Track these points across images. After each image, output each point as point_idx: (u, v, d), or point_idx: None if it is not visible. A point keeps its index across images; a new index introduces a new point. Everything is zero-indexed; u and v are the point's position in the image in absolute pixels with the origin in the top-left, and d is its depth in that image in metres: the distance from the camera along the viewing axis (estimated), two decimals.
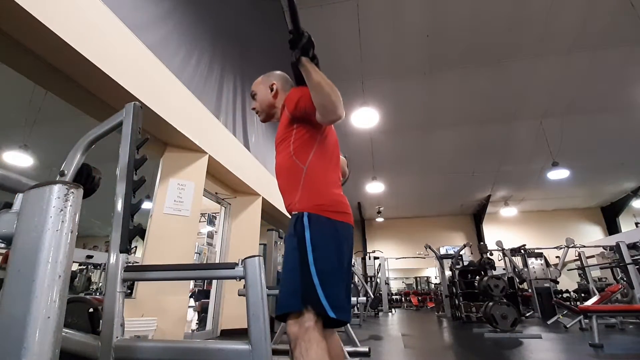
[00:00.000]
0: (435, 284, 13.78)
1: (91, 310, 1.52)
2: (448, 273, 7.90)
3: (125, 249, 1.36)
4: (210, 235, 5.45)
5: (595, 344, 3.36)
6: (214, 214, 5.60)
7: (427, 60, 7.35)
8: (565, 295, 10.39)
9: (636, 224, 11.88)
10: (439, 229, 15.19)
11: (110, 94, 2.76)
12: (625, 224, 13.43)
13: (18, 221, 0.71)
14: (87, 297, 1.73)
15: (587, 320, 4.68)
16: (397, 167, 11.04)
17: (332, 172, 1.20)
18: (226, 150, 4.51)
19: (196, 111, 3.86)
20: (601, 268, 8.22)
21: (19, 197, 0.75)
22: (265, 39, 6.02)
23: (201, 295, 5.33)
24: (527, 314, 7.50)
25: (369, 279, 10.31)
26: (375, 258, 10.82)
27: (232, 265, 1.31)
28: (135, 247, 8.89)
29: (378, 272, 10.29)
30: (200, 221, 4.78)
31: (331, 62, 7.12)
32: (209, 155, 3.98)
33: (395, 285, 16.60)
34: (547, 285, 7.57)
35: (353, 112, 7.21)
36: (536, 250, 7.99)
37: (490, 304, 4.49)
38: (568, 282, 11.22)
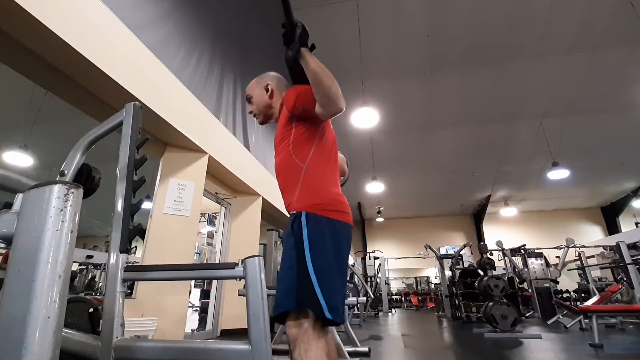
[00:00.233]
0: (435, 284, 13.78)
1: (91, 310, 1.52)
2: (448, 273, 7.90)
3: (125, 249, 1.36)
4: (210, 235, 5.45)
5: (595, 344, 3.36)
6: (214, 214, 5.60)
7: (427, 60, 7.35)
8: (565, 295, 10.38)
9: (636, 224, 11.88)
10: (439, 229, 15.19)
11: (110, 94, 2.76)
12: (625, 224, 13.43)
13: (18, 221, 0.71)
14: (87, 297, 1.73)
15: (587, 320, 4.69)
16: (397, 167, 11.04)
17: (331, 171, 1.19)
18: (226, 150, 4.51)
19: (196, 111, 3.86)
20: (601, 268, 8.22)
21: (19, 197, 0.75)
22: (265, 39, 6.02)
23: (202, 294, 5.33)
24: (527, 314, 7.50)
25: (369, 279, 10.31)
26: (375, 258, 10.83)
27: (232, 265, 1.31)
28: (135, 247, 8.90)
29: (378, 272, 10.29)
30: (200, 221, 4.78)
31: (331, 62, 7.04)
32: (209, 155, 3.98)
33: (395, 285, 16.60)
34: (547, 285, 7.57)
35: (353, 112, 7.21)
36: (536, 250, 7.99)
37: (490, 304, 4.49)
38: (568, 282, 11.22)
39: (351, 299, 3.74)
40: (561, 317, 5.78)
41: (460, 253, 7.76)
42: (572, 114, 8.42)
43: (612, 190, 12.87)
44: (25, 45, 2.28)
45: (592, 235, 13.87)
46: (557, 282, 7.60)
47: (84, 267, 7.77)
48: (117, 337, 1.25)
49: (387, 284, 11.03)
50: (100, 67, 2.45)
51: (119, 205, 1.39)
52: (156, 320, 2.96)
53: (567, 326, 5.16)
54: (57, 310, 0.64)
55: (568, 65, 7.25)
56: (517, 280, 7.68)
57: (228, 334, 4.56)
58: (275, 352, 1.31)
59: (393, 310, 10.75)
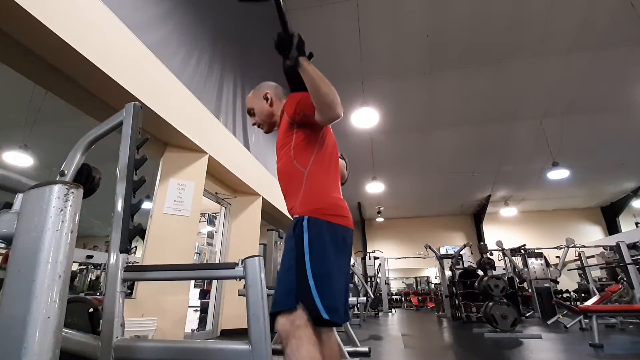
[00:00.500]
0: (435, 284, 13.78)
1: (91, 310, 1.52)
2: (448, 273, 7.90)
3: (125, 249, 1.36)
4: (210, 235, 5.45)
5: (595, 344, 3.36)
6: (214, 214, 5.60)
7: (427, 60, 7.35)
8: (565, 295, 10.38)
9: (636, 224, 11.88)
10: (439, 229, 15.19)
11: (110, 94, 2.76)
12: (625, 224, 13.42)
13: (18, 221, 0.71)
14: (87, 297, 1.73)
15: (587, 320, 4.69)
16: (397, 167, 11.04)
17: (332, 176, 1.22)
18: (226, 150, 4.51)
19: (196, 111, 3.86)
20: (601, 268, 8.22)
21: (19, 197, 0.75)
22: (265, 39, 6.02)
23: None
24: (527, 314, 7.50)
25: (369, 279, 10.31)
26: (375, 258, 10.82)
27: (232, 265, 1.31)
28: (135, 247, 8.90)
29: (378, 272, 10.29)
30: (200, 221, 4.77)
31: (331, 62, 7.12)
32: (209, 155, 3.98)
33: (395, 285, 16.60)
34: (547, 285, 7.57)
35: (353, 112, 7.21)
36: (536, 250, 7.99)
37: (490, 304, 4.49)
38: (568, 282, 11.22)
39: (351, 299, 3.74)
40: (561, 317, 5.78)
41: (460, 253, 7.75)
42: (572, 114, 8.42)
43: (612, 190, 12.87)
44: (25, 45, 2.28)
45: (592, 235, 13.87)
46: (557, 282, 7.60)
47: (84, 267, 7.77)
48: (117, 337, 1.25)
49: (387, 284, 11.03)
50: (100, 67, 2.45)
51: (119, 205, 1.39)
52: (156, 320, 2.96)
53: (567, 326, 5.16)
54: (57, 310, 0.64)
55: (568, 65, 7.25)
56: (517, 280, 7.68)
57: (228, 334, 4.56)
58: (275, 352, 1.31)
59: (393, 310, 10.75)
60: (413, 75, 7.70)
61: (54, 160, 2.44)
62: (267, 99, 1.38)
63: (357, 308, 6.46)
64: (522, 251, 8.00)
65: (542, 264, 7.81)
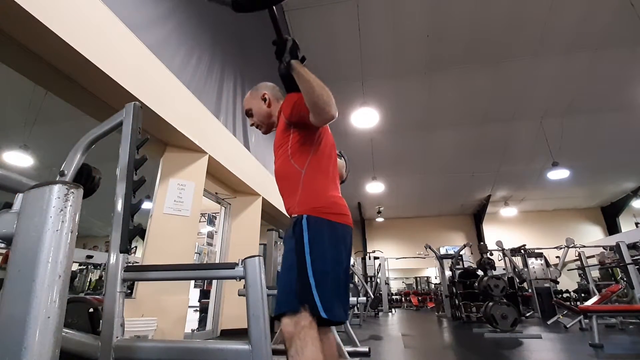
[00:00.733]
0: (435, 284, 13.77)
1: (91, 310, 1.52)
2: (448, 273, 7.90)
3: (125, 249, 1.36)
4: (210, 235, 5.45)
5: (595, 344, 3.36)
6: (214, 214, 5.60)
7: (427, 60, 7.35)
8: (565, 295, 10.38)
9: (636, 224, 11.88)
10: (439, 229, 15.18)
11: (110, 94, 2.76)
12: (625, 224, 13.42)
13: (18, 221, 0.71)
14: (87, 297, 1.73)
15: (587, 320, 4.69)
16: (397, 167, 11.04)
17: (330, 175, 1.22)
18: (226, 150, 4.51)
19: (196, 111, 3.86)
20: (601, 268, 8.22)
21: (19, 197, 0.75)
22: (265, 39, 6.02)
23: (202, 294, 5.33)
24: (527, 314, 7.50)
25: (369, 279, 10.30)
26: (375, 258, 10.82)
27: (232, 265, 1.31)
28: (135, 247, 8.90)
29: (378, 272, 10.29)
30: (200, 221, 4.77)
31: (331, 62, 7.12)
32: (209, 155, 3.98)
33: (395, 285, 16.60)
34: (547, 285, 7.57)
35: (353, 112, 7.21)
36: (536, 250, 7.99)
37: (490, 304, 4.49)
38: (568, 282, 11.22)
39: (351, 299, 3.74)
40: (561, 317, 5.78)
41: (460, 253, 7.75)
42: (572, 114, 8.42)
43: (612, 190, 12.87)
44: (25, 45, 2.28)
45: (592, 235, 13.87)
46: (557, 282, 7.60)
47: (84, 267, 7.77)
48: (117, 337, 1.25)
49: (387, 284, 11.03)
50: (100, 67, 2.45)
51: (119, 205, 1.39)
52: (156, 320, 2.96)
53: (567, 326, 5.16)
54: (57, 310, 0.64)
55: (568, 65, 7.25)
56: (517, 280, 7.67)
57: (228, 334, 4.56)
58: (275, 352, 1.31)
59: (393, 310, 10.75)
60: (413, 75, 7.70)
61: (54, 160, 2.44)
62: (265, 100, 1.39)
63: (357, 308, 6.45)
64: (522, 251, 8.00)
65: (542, 264, 7.81)
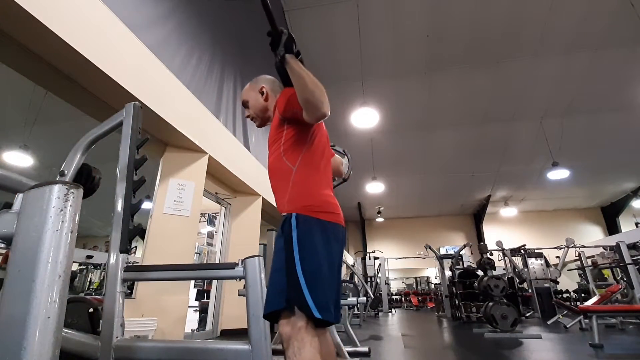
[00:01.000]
0: (435, 284, 13.77)
1: (91, 310, 1.53)
2: (448, 273, 7.90)
3: (125, 249, 1.36)
4: (210, 235, 5.45)
5: (595, 344, 3.36)
6: (214, 214, 5.60)
7: (427, 60, 7.35)
8: (565, 295, 10.38)
9: (636, 224, 11.89)
10: (439, 229, 15.19)
11: (110, 94, 2.76)
12: (625, 224, 13.43)
13: (18, 221, 0.71)
14: (87, 297, 1.73)
15: (587, 320, 4.68)
16: (397, 167, 11.04)
17: (322, 173, 1.20)
18: (226, 150, 4.51)
19: (196, 111, 3.86)
20: (601, 268, 8.22)
21: (19, 197, 0.75)
22: (265, 39, 6.01)
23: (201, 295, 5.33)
24: (527, 314, 7.50)
25: (369, 279, 10.31)
26: (375, 258, 10.82)
27: (232, 265, 1.31)
28: (135, 247, 8.90)
29: (378, 272, 10.28)
30: (200, 221, 4.77)
31: (331, 62, 7.12)
32: (209, 155, 3.98)
33: (395, 285, 16.60)
34: (547, 285, 7.57)
35: (353, 112, 7.21)
36: (536, 251, 7.99)
37: (490, 304, 4.49)
38: (568, 282, 11.22)
39: (351, 299, 3.74)
40: (561, 317, 5.78)
41: (460, 253, 7.75)
42: (572, 114, 8.42)
43: (612, 190, 12.87)
44: (25, 45, 2.28)
45: (592, 235, 13.87)
46: (557, 282, 7.60)
47: (84, 267, 7.76)
48: (117, 337, 1.25)
49: (387, 284, 11.03)
50: (100, 67, 2.45)
51: (119, 205, 1.39)
52: (156, 320, 2.96)
53: (567, 326, 5.16)
54: (57, 310, 0.64)
55: (568, 65, 7.25)
56: (517, 281, 7.67)
57: (228, 334, 4.55)
58: (275, 352, 1.31)
59: (393, 310, 10.75)
60: (413, 75, 7.71)
61: (54, 160, 2.44)
62: (262, 93, 1.38)
63: (357, 308, 6.45)
64: (522, 251, 8.00)
65: (542, 264, 7.81)
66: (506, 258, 8.03)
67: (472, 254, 11.60)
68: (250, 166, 5.31)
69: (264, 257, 1.49)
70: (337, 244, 1.12)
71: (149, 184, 2.47)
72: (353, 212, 14.26)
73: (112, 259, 1.35)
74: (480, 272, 6.18)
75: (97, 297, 1.73)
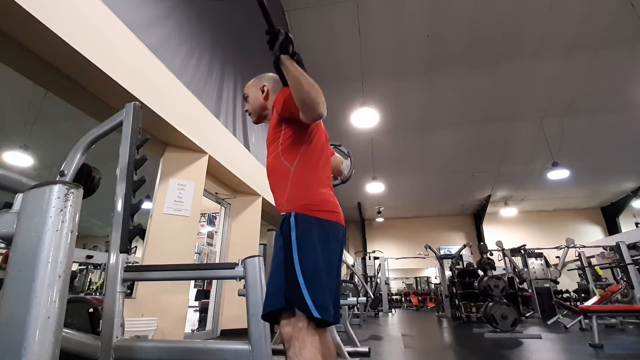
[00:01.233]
0: (435, 284, 13.77)
1: (91, 310, 1.53)
2: (448, 273, 7.90)
3: (125, 249, 1.36)
4: (210, 235, 5.45)
5: (595, 344, 3.36)
6: (214, 214, 5.60)
7: (427, 60, 7.35)
8: (565, 295, 10.38)
9: (636, 224, 11.88)
10: (439, 229, 15.19)
11: (110, 94, 2.76)
12: (625, 224, 13.43)
13: (18, 221, 0.71)
14: (87, 297, 1.73)
15: (587, 321, 4.69)
16: (397, 167, 11.05)
17: (320, 172, 1.20)
18: (226, 150, 4.51)
19: (196, 111, 3.86)
20: (601, 268, 8.22)
21: (19, 197, 0.75)
22: (265, 39, 6.02)
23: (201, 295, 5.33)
24: (527, 314, 7.50)
25: (369, 279, 10.31)
26: (375, 258, 10.82)
27: (232, 265, 1.31)
28: (135, 247, 8.90)
29: (378, 272, 10.29)
30: (200, 221, 4.77)
31: (331, 62, 7.12)
32: (209, 155, 3.98)
33: (395, 285, 16.60)
34: (547, 285, 7.57)
35: (353, 112, 7.21)
36: (536, 251, 7.99)
37: (490, 304, 4.49)
38: (568, 282, 11.22)
39: (351, 299, 3.74)
40: (561, 317, 5.78)
41: (460, 253, 7.75)
42: (572, 114, 8.42)
43: (612, 190, 12.87)
44: (26, 46, 2.28)
45: (592, 235, 13.87)
46: (557, 282, 7.60)
47: (84, 267, 7.76)
48: (117, 337, 1.25)
49: (387, 284, 11.03)
50: (100, 67, 2.45)
51: (119, 205, 1.39)
52: (156, 320, 2.96)
53: (567, 326, 5.16)
54: (57, 310, 0.64)
55: (568, 65, 7.25)
56: (517, 281, 7.67)
57: (228, 334, 4.55)
58: (275, 352, 1.31)
59: (393, 310, 10.75)
60: (413, 75, 7.71)
61: (54, 160, 2.44)
62: (263, 91, 1.38)
63: (357, 308, 6.45)
64: (522, 251, 8.00)
65: (542, 264, 7.81)
66: (506, 258, 8.03)
67: (472, 254, 11.60)
68: (250, 166, 5.31)
69: (264, 257, 1.49)
70: (336, 243, 1.12)
71: (149, 184, 2.47)
72: (353, 212, 14.27)
73: (112, 259, 1.35)
74: (480, 272, 6.18)
75: (97, 297, 1.73)
